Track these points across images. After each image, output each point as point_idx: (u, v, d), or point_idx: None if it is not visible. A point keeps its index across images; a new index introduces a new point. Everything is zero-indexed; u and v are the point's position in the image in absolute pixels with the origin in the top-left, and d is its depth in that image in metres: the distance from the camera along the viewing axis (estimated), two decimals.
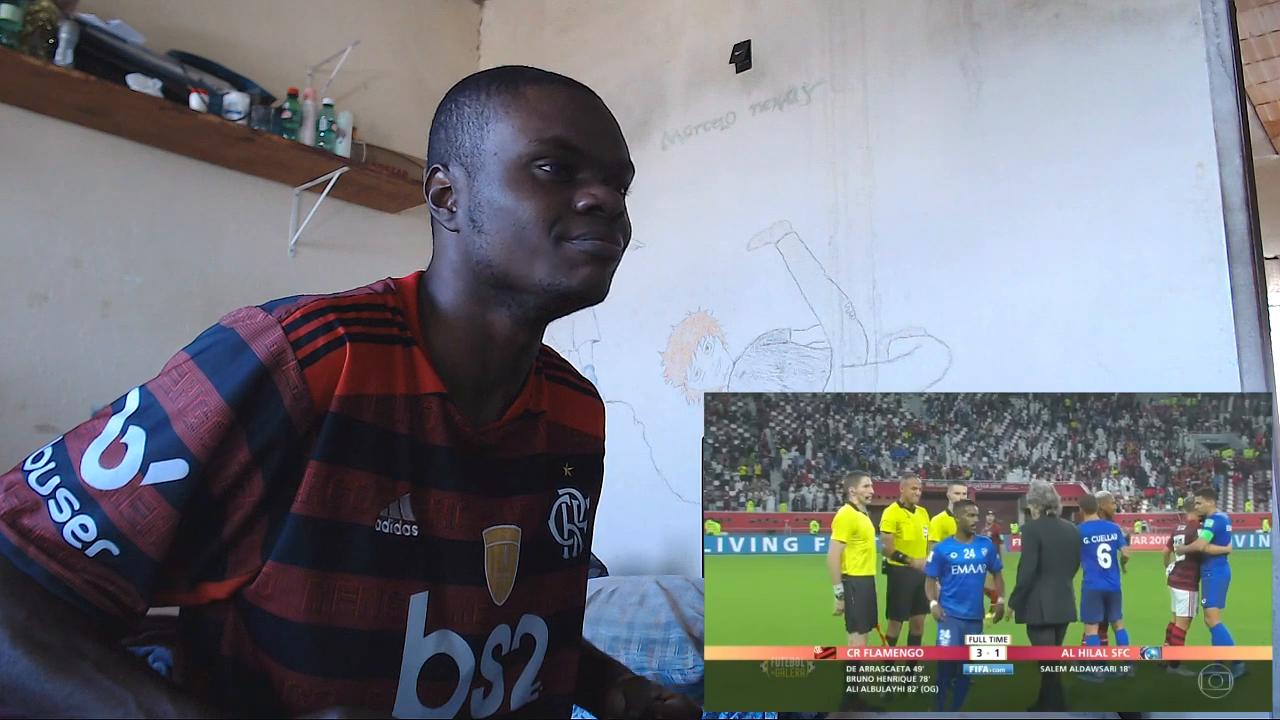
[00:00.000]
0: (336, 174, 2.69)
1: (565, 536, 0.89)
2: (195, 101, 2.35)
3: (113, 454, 0.66)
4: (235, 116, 2.46)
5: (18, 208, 2.25)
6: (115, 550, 0.65)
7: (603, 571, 2.40)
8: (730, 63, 2.76)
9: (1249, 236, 1.86)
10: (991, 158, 2.21)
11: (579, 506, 0.92)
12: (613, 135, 0.80)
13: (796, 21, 2.64)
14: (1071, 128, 2.10)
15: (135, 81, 2.25)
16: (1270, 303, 2.10)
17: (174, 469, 0.66)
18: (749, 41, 2.73)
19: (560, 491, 0.89)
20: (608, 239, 0.76)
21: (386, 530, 0.73)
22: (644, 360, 2.80)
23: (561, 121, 0.76)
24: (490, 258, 0.76)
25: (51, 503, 0.65)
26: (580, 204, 0.75)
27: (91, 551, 0.64)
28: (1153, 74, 2.00)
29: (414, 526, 0.75)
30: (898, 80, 2.41)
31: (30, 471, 0.67)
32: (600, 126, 0.79)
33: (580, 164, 0.77)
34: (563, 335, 2.94)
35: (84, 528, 0.64)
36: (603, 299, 0.79)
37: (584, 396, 0.96)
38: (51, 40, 2.15)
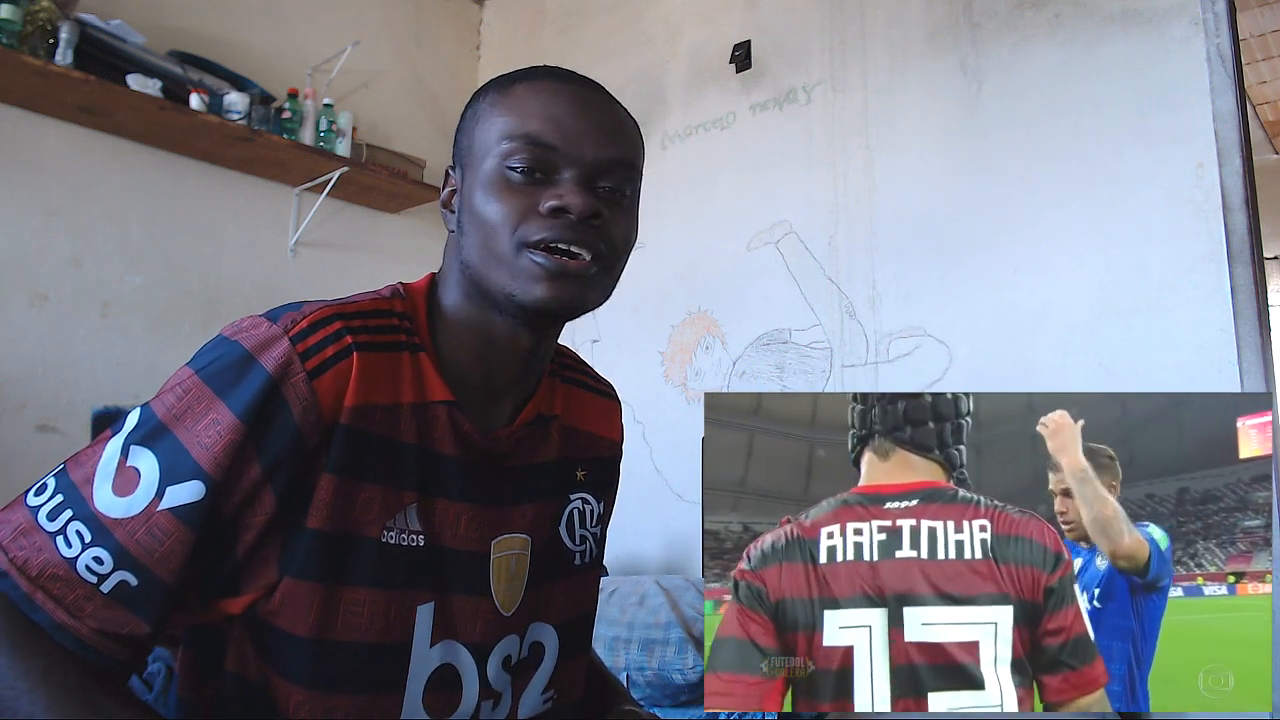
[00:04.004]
0: (336, 174, 2.69)
1: (577, 542, 0.87)
2: (195, 101, 2.35)
3: (125, 480, 0.64)
4: (235, 116, 2.46)
5: (18, 208, 2.25)
6: (133, 581, 0.63)
7: (603, 572, 2.40)
8: (730, 63, 2.76)
9: (1249, 236, 1.86)
10: (991, 158, 2.21)
11: (592, 511, 0.89)
12: (601, 131, 0.73)
13: (796, 21, 2.64)
14: (1071, 128, 2.10)
15: (135, 81, 2.25)
16: (1270, 303, 2.10)
17: (190, 491, 0.64)
18: (749, 41, 2.73)
19: (572, 497, 0.87)
20: (570, 247, 0.70)
21: (392, 541, 0.71)
22: (644, 360, 2.80)
23: (538, 118, 0.72)
24: (470, 261, 0.74)
25: (60, 538, 0.63)
26: (544, 206, 0.70)
27: (107, 586, 0.62)
28: (1153, 74, 2.00)
29: (421, 536, 0.73)
30: (898, 80, 2.41)
31: (37, 508, 0.64)
32: (585, 122, 0.73)
33: (559, 163, 0.72)
34: (563, 335, 2.93)
35: (98, 560, 0.62)
36: (572, 314, 0.74)
37: (600, 399, 0.94)
38: (51, 40, 2.15)
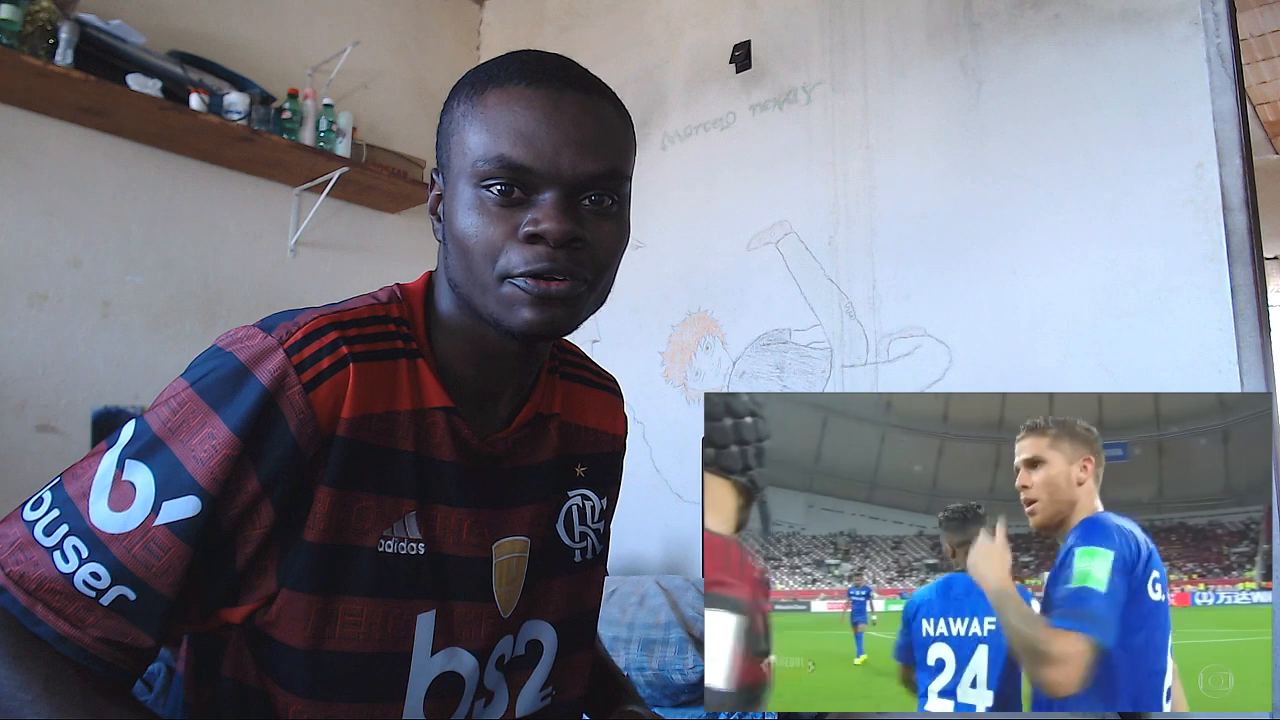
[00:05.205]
0: (336, 174, 2.69)
1: (576, 539, 0.86)
2: (195, 101, 2.35)
3: (122, 495, 0.63)
4: (235, 116, 2.46)
5: (18, 208, 2.25)
6: (131, 595, 0.63)
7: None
8: (730, 63, 2.76)
9: (1249, 236, 1.86)
10: (991, 158, 2.21)
11: (592, 507, 0.88)
12: (580, 142, 0.68)
13: (796, 21, 2.64)
14: (1071, 128, 2.10)
15: (135, 81, 2.25)
16: (1270, 303, 2.10)
17: (186, 506, 0.63)
18: (749, 41, 2.73)
19: (571, 494, 0.86)
20: (551, 274, 0.67)
21: (390, 550, 0.71)
22: (644, 360, 2.80)
23: (510, 136, 0.67)
24: (456, 281, 0.72)
25: (58, 553, 0.62)
26: (522, 232, 0.67)
27: (106, 600, 0.62)
28: (1153, 74, 2.00)
29: (420, 544, 0.72)
30: (898, 80, 2.41)
31: (34, 522, 0.64)
32: (561, 135, 0.67)
33: (537, 183, 0.68)
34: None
35: (95, 575, 0.62)
36: (563, 333, 0.72)
37: (601, 393, 0.92)
38: (51, 40, 2.15)
